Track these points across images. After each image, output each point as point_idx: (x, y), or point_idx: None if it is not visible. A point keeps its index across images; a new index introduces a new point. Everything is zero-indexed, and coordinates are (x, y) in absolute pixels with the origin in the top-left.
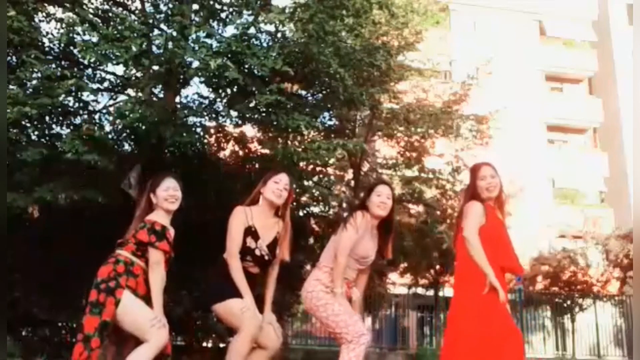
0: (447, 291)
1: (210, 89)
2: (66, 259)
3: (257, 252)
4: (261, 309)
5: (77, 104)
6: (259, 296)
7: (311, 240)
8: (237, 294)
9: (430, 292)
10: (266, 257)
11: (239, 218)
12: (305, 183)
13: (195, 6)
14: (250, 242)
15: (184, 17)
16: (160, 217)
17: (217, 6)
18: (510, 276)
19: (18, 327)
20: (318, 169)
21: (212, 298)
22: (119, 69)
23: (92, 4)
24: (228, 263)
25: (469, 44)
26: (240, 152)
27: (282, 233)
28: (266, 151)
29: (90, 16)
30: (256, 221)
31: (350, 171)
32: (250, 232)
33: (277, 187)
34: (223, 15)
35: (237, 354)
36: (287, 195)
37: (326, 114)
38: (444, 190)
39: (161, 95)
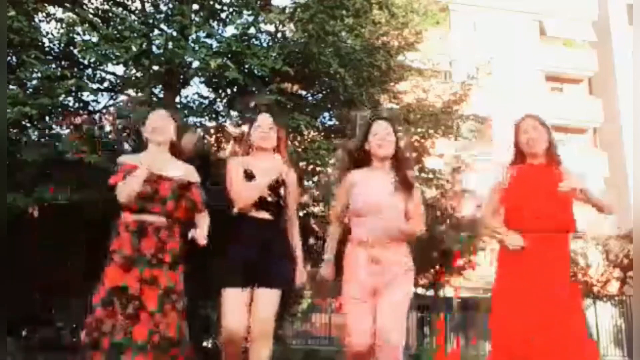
0: (447, 291)
1: (210, 89)
2: (66, 259)
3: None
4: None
5: (77, 104)
6: (270, 242)
7: (311, 240)
8: (230, 282)
9: (430, 292)
10: (268, 198)
11: (233, 165)
12: (305, 183)
13: (195, 6)
14: None
15: (184, 17)
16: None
17: (217, 6)
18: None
19: (18, 327)
20: (318, 169)
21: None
22: (119, 69)
23: (92, 4)
24: (241, 210)
25: (469, 44)
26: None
27: (285, 176)
28: None
29: (90, 16)
30: (251, 165)
31: None
32: (246, 174)
33: (260, 130)
34: (223, 15)
35: (227, 357)
36: (277, 134)
37: (326, 114)
38: (444, 190)
39: (161, 95)
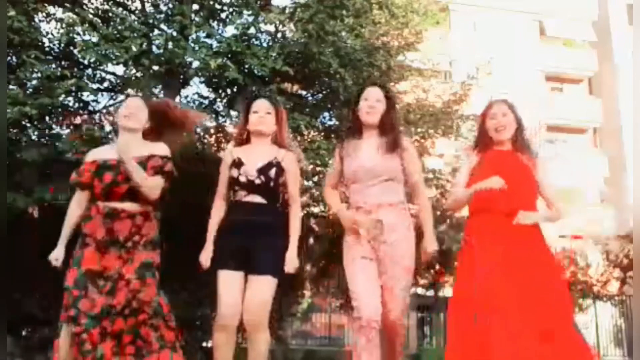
0: (447, 291)
1: (210, 89)
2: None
3: (242, 179)
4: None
5: (77, 104)
6: (260, 226)
7: (311, 240)
8: (221, 264)
9: (430, 292)
10: (256, 181)
11: (225, 157)
12: (305, 183)
13: (195, 6)
14: (233, 172)
15: (184, 17)
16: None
17: (217, 6)
18: None
19: (18, 327)
20: (318, 169)
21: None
22: (119, 69)
23: (92, 4)
24: None
25: (469, 44)
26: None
27: (282, 157)
28: None
29: (90, 16)
30: (242, 153)
31: None
32: (234, 163)
33: (257, 116)
34: (223, 15)
35: (215, 346)
36: (275, 118)
37: (326, 114)
38: (444, 190)
39: (161, 95)
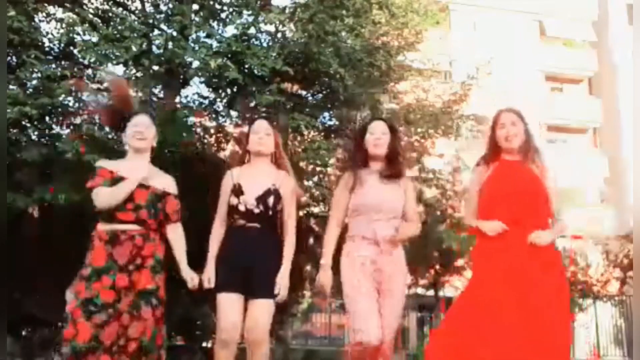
0: (448, 291)
1: (210, 89)
2: (66, 259)
3: (242, 208)
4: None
5: (77, 104)
6: (257, 252)
7: (311, 240)
8: (221, 287)
9: (431, 292)
10: (255, 210)
11: (224, 181)
12: (305, 183)
13: (195, 6)
14: (232, 200)
15: (184, 17)
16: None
17: (217, 6)
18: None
19: (18, 327)
20: (318, 169)
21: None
22: (119, 69)
23: (92, 4)
24: None
25: (469, 44)
26: (240, 152)
27: (280, 182)
28: None
29: (90, 16)
30: (242, 178)
31: None
32: (234, 190)
33: (257, 137)
34: (223, 15)
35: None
36: (273, 140)
37: (326, 114)
38: (444, 190)
39: (161, 95)
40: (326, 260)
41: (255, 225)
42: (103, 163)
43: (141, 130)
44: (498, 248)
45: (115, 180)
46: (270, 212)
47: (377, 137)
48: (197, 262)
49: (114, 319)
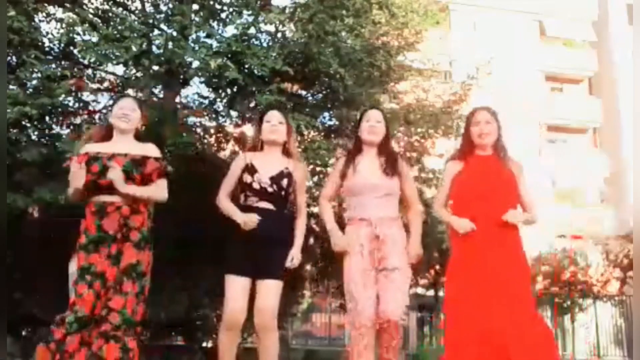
0: None
1: (210, 89)
2: (66, 259)
3: (256, 185)
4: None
5: (77, 104)
6: (271, 232)
7: (311, 240)
8: (231, 269)
9: (431, 292)
10: (269, 189)
11: (237, 160)
12: (305, 183)
13: (195, 6)
14: (246, 178)
15: (184, 17)
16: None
17: (217, 6)
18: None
19: (18, 327)
20: (318, 169)
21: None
22: (119, 69)
23: (92, 4)
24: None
25: (469, 44)
26: (240, 152)
27: (292, 168)
28: None
29: (90, 16)
30: (256, 159)
31: None
32: (247, 168)
33: (270, 124)
34: (223, 15)
35: (220, 345)
36: (286, 129)
37: (326, 114)
38: None
39: (161, 95)
40: (331, 224)
41: (270, 207)
42: (85, 147)
43: (126, 113)
44: (469, 241)
45: (91, 157)
46: (283, 193)
47: (372, 125)
48: (197, 257)
49: (102, 292)
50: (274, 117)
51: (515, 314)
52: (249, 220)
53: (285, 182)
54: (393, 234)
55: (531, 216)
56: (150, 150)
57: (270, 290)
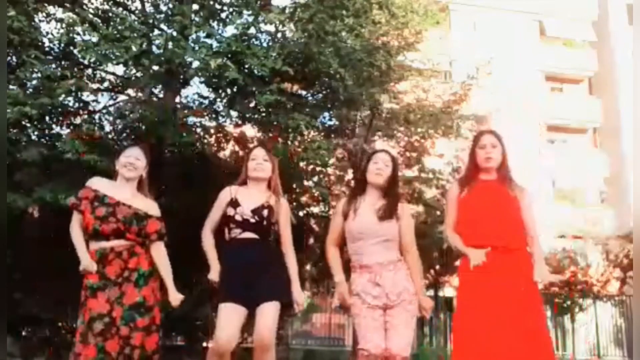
0: (448, 291)
1: (210, 89)
2: (66, 259)
3: (238, 217)
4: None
5: (77, 104)
6: (256, 259)
7: (311, 240)
8: (222, 298)
9: (430, 292)
10: (251, 220)
11: (222, 194)
12: (305, 183)
13: (195, 6)
14: (229, 211)
15: (184, 17)
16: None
17: (217, 6)
18: None
19: (18, 327)
20: (318, 169)
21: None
22: (119, 69)
23: (92, 4)
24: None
25: (469, 44)
26: (240, 152)
27: (274, 202)
28: None
29: (90, 16)
30: (240, 194)
31: (350, 171)
32: (232, 202)
33: (255, 162)
34: (223, 15)
35: None
36: (270, 166)
37: (326, 114)
38: (444, 190)
39: (161, 95)
40: (339, 277)
41: (253, 237)
42: (93, 181)
43: (132, 162)
44: (477, 268)
45: (98, 197)
46: (265, 223)
47: (379, 167)
48: (197, 257)
49: (114, 332)
50: (258, 155)
51: (528, 345)
52: (214, 278)
53: (265, 212)
54: (395, 276)
55: (556, 277)
56: (152, 208)
57: (268, 313)
